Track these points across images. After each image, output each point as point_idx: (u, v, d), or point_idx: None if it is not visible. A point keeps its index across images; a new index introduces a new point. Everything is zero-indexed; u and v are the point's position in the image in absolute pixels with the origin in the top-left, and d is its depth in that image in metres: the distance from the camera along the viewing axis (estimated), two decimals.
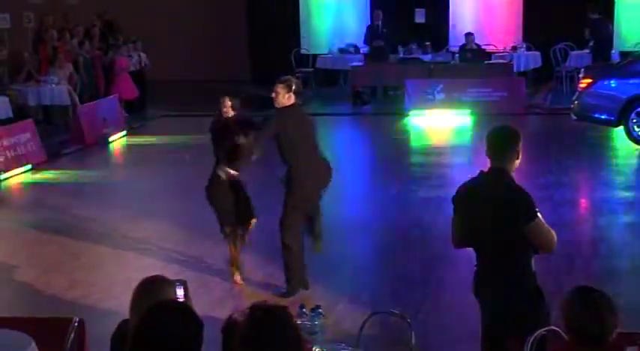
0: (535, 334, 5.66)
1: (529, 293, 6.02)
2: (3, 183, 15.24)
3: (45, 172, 15.99)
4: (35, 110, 19.48)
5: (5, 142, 15.82)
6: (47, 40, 21.02)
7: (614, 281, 9.45)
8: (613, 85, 16.85)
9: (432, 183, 14.10)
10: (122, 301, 7.22)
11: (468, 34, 22.60)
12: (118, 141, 18.74)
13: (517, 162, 6.04)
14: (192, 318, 4.03)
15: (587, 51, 22.82)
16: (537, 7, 23.98)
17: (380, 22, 22.74)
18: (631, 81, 16.59)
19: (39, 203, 14.02)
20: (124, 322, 5.10)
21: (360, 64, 22.87)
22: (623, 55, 21.98)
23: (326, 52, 24.73)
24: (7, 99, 18.41)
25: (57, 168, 16.23)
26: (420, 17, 24.68)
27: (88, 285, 9.88)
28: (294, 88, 8.86)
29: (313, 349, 5.56)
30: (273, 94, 8.86)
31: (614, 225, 11.87)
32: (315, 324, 5.74)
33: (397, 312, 6.46)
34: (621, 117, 16.49)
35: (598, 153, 16.47)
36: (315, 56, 24.79)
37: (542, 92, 22.84)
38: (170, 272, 8.94)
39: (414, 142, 18.73)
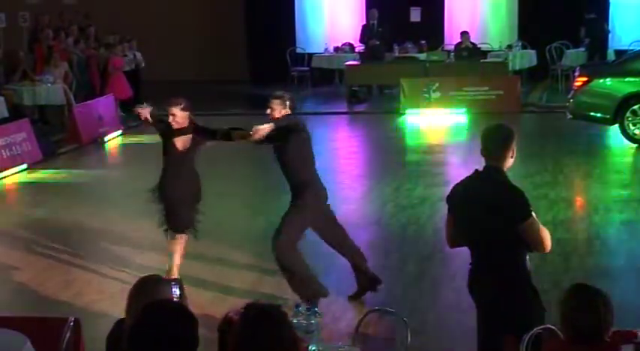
0: (531, 333, 5.66)
1: (524, 291, 6.01)
2: None
3: (41, 171, 16.01)
4: (31, 109, 19.49)
5: (1, 142, 15.83)
6: (43, 40, 21.06)
7: (609, 279, 9.45)
8: (608, 83, 16.91)
9: (427, 181, 14.12)
10: (118, 301, 7.29)
11: (464, 33, 22.66)
12: (113, 140, 18.76)
13: (511, 160, 6.04)
14: (188, 317, 4.01)
15: (582, 49, 22.91)
16: (533, 6, 24.09)
17: (375, 21, 22.79)
18: (626, 79, 16.65)
19: (35, 203, 14.01)
20: (120, 321, 5.10)
21: (356, 62, 22.93)
22: (619, 53, 22.04)
23: (322, 51, 24.79)
24: (2, 98, 18.35)
25: (53, 167, 16.24)
26: (415, 16, 24.77)
27: (84, 284, 9.88)
28: (288, 103, 8.75)
29: (309, 347, 5.55)
30: (269, 110, 8.75)
31: (609, 223, 11.88)
32: (312, 323, 5.71)
33: (393, 310, 6.46)
34: (617, 115, 16.55)
35: (593, 151, 16.50)
36: (310, 55, 24.83)
37: (538, 91, 22.92)
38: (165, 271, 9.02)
39: (410, 141, 18.78)
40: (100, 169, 16.58)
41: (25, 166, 16.07)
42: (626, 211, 12.26)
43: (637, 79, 16.49)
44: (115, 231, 11.85)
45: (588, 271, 9.90)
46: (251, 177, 15.47)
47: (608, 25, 23.36)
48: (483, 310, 6.20)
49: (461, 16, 24.80)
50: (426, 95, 20.52)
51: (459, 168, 14.59)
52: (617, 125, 16.67)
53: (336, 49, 24.57)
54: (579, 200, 13.38)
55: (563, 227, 11.30)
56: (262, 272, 10.00)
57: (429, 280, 9.87)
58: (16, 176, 15.68)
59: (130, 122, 19.62)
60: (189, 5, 26.22)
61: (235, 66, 25.79)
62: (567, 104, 17.45)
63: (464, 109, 20.13)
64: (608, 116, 16.70)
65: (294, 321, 5.31)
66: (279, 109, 8.70)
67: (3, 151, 15.79)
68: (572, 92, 17.43)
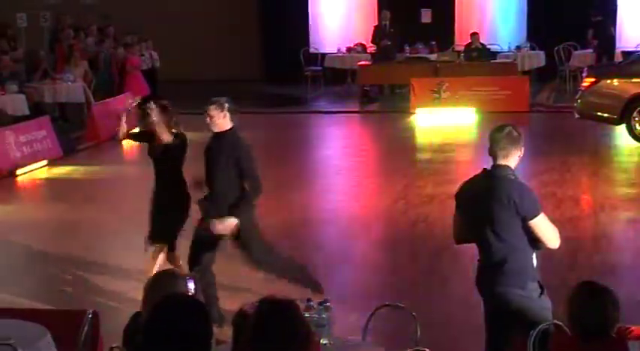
0: (538, 329, 5.77)
1: (531, 288, 6.10)
2: (20, 178, 15.46)
3: (60, 167, 16.19)
4: (51, 107, 19.72)
5: (22, 139, 16.10)
6: (63, 39, 21.31)
7: (615, 276, 9.53)
8: (615, 84, 17.02)
9: (437, 179, 14.17)
10: (135, 295, 7.23)
11: (474, 34, 22.78)
12: None
13: (518, 160, 6.16)
14: (202, 311, 3.97)
15: (590, 50, 23.05)
16: (542, 8, 24.17)
17: (387, 22, 22.89)
18: (633, 80, 16.75)
19: (55, 198, 14.26)
20: (137, 314, 5.16)
21: (368, 63, 23.07)
22: (626, 55, 22.15)
23: (334, 51, 24.92)
24: (23, 96, 18.63)
25: (72, 163, 16.39)
26: (426, 17, 24.89)
27: (102, 278, 9.95)
28: (227, 106, 8.17)
29: (321, 341, 5.64)
30: (208, 119, 8.16)
31: (615, 221, 11.95)
32: (323, 317, 5.77)
33: (402, 305, 6.51)
34: (623, 115, 16.63)
35: (600, 150, 16.59)
36: (323, 55, 24.96)
37: (546, 91, 23.06)
38: (184, 266, 8.79)
39: (420, 140, 18.85)
40: (118, 166, 16.60)
41: (45, 162, 16.28)
42: (632, 210, 12.32)
43: None
44: (134, 225, 11.90)
45: (594, 268, 9.91)
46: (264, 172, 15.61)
47: (614, 29, 23.49)
48: (491, 305, 6.26)
49: (471, 18, 24.90)
50: (436, 95, 20.65)
51: (468, 166, 14.56)
52: (623, 125, 16.77)
53: (349, 49, 24.65)
54: (586, 198, 13.32)
55: (570, 225, 11.26)
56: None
57: (438, 276, 9.92)
58: (37, 172, 15.86)
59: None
60: (205, 6, 26.38)
61: (250, 65, 25.85)
62: (575, 104, 17.53)
63: (473, 109, 20.19)
64: (614, 116, 16.79)
65: (306, 315, 5.26)
66: (218, 115, 8.16)
67: (24, 147, 16.05)
68: (579, 93, 17.54)
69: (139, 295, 4.99)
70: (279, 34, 25.39)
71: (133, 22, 23.35)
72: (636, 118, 16.60)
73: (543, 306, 6.14)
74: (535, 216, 6.01)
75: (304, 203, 13.27)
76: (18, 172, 15.60)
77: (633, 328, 5.51)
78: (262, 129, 17.75)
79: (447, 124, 19.68)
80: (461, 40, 24.24)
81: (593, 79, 17.19)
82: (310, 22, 25.96)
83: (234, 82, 24.45)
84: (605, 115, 17.01)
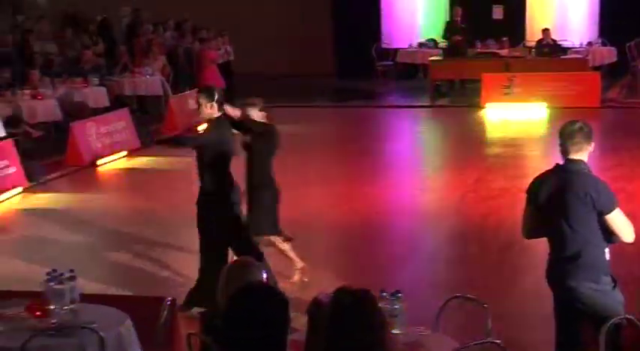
0: (610, 322, 5.79)
1: (603, 281, 6.11)
2: (100, 168, 15.88)
3: (139, 158, 16.56)
4: (131, 100, 20.21)
5: (103, 130, 16.55)
6: (142, 34, 21.78)
7: None
8: None
9: (508, 173, 14.25)
10: None
11: (545, 30, 22.78)
12: None
13: (588, 154, 6.21)
14: (282, 299, 4.09)
15: None
16: (614, 4, 24.06)
17: (459, 19, 23.04)
18: None
19: (133, 187, 14.65)
20: (214, 301, 5.15)
21: (439, 58, 23.20)
22: None
23: (406, 47, 25.06)
24: (104, 89, 19.13)
25: (150, 154, 16.64)
26: (497, 14, 25.02)
27: (180, 266, 10.08)
28: (216, 96, 8.45)
29: (393, 331, 5.63)
30: (196, 106, 8.56)
31: None
32: (396, 307, 5.77)
33: (474, 297, 6.50)
34: None
35: None
36: (395, 51, 25.14)
37: (617, 87, 22.99)
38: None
39: (491, 134, 18.93)
40: (194, 156, 16.94)
41: (124, 152, 16.71)
42: None
43: None
44: None
45: None
46: (330, 165, 15.65)
47: None
48: (562, 299, 6.26)
49: (542, 14, 24.87)
50: (507, 90, 20.73)
51: (539, 161, 14.71)
52: None
53: (420, 44, 24.78)
54: None
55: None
56: (347, 260, 10.41)
57: (509, 269, 9.96)
58: (116, 162, 16.27)
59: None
60: (280, 3, 26.73)
61: (322, 60, 25.96)
62: None
63: (544, 104, 20.22)
64: None
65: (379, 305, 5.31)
66: (206, 103, 8.44)
67: (105, 138, 16.48)
68: None
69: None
70: (351, 30, 25.55)
71: (212, 18, 23.66)
72: None
73: (616, 300, 6.14)
74: (612, 210, 6.03)
75: (376, 195, 13.44)
76: (99, 162, 16.02)
77: None
78: (334, 123, 18.04)
79: (517, 119, 19.72)
80: (532, 36, 24.19)
81: None
82: (382, 18, 26.12)
83: (307, 76, 24.69)
84: None
